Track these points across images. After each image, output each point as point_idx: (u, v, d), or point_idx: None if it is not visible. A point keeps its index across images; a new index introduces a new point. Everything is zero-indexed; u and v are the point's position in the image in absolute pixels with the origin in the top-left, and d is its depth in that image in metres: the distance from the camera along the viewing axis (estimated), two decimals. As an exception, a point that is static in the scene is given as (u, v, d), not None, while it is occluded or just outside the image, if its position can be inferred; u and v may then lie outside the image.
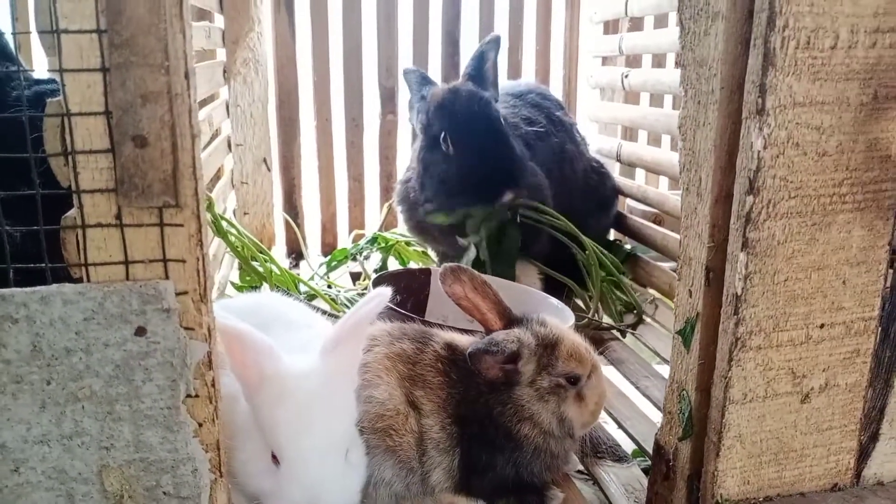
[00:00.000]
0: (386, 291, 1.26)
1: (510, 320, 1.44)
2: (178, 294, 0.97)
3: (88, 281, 0.95)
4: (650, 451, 1.59)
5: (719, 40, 1.05)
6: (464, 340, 1.45)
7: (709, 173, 1.09)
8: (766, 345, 1.09)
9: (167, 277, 0.96)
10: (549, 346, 1.37)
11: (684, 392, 1.19)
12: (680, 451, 1.22)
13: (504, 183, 2.16)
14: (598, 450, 1.63)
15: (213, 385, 1.02)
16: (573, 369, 1.37)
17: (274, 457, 1.13)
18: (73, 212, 0.94)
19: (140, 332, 0.97)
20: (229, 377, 1.20)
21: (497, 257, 2.20)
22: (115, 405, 0.99)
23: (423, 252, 2.67)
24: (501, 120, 2.24)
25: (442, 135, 2.18)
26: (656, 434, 1.30)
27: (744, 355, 1.09)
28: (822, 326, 1.12)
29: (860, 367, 1.16)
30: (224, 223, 2.05)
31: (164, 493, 1.03)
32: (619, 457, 1.61)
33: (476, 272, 1.46)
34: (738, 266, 1.05)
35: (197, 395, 1.01)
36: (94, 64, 0.90)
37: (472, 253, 2.21)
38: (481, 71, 2.29)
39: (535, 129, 2.38)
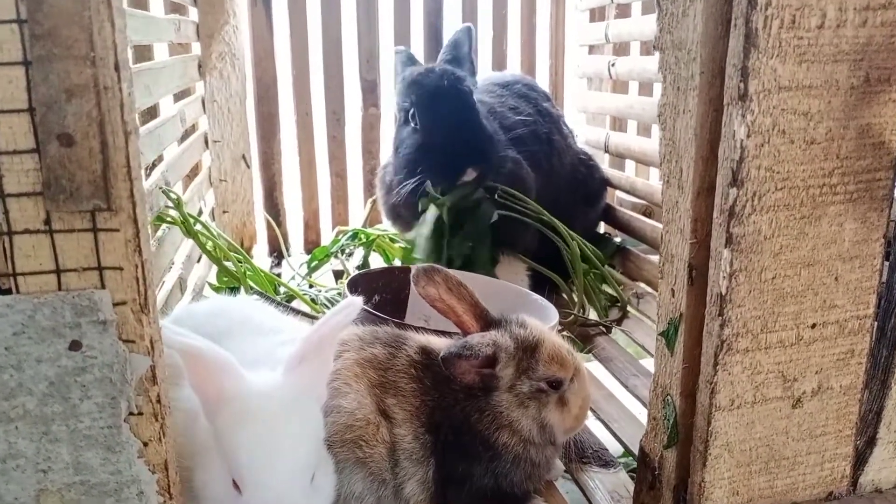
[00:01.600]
0: (356, 301, 1.18)
1: (488, 322, 1.37)
2: (115, 304, 0.89)
3: (17, 292, 0.88)
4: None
5: (698, 21, 0.97)
6: (440, 344, 1.37)
7: (690, 164, 1.01)
8: (753, 347, 1.02)
9: (103, 287, 0.89)
10: (528, 349, 1.30)
11: (668, 397, 1.12)
12: (665, 460, 1.15)
13: (467, 159, 2.09)
14: (584, 454, 1.56)
15: (158, 401, 0.95)
16: (555, 373, 1.30)
17: (235, 483, 1.05)
18: (-2, 217, 0.87)
19: (75, 346, 0.90)
20: (189, 390, 1.12)
21: (465, 234, 2.13)
22: (51, 425, 0.92)
23: (407, 248, 2.60)
24: (472, 97, 2.17)
25: (411, 112, 2.13)
26: (641, 441, 1.23)
27: (730, 359, 1.02)
28: (813, 326, 1.05)
29: (855, 368, 1.09)
30: (198, 224, 1.97)
31: (108, 518, 0.96)
32: (605, 461, 1.54)
33: (450, 272, 1.39)
34: (722, 264, 0.98)
35: (140, 413, 0.94)
36: (16, 57, 0.82)
37: (425, 229, 2.14)
38: (458, 56, 2.22)
39: (521, 117, 2.31)
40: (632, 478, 1.49)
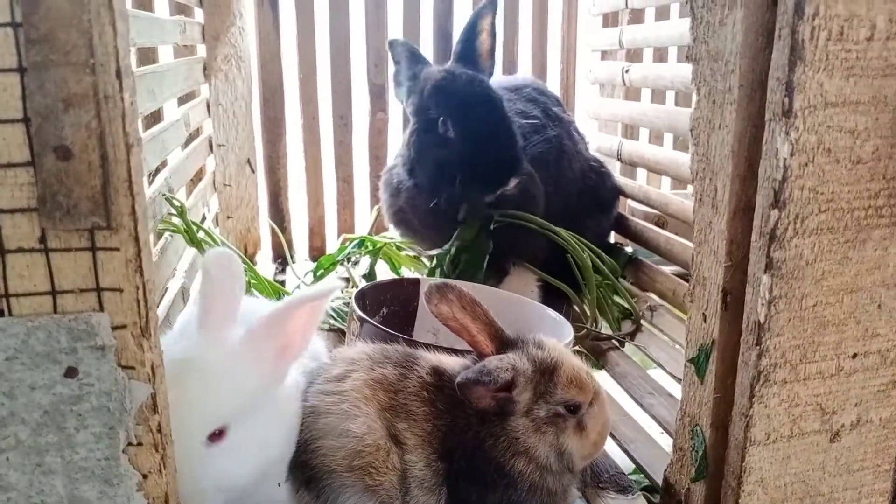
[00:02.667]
0: (333, 285, 1.16)
1: (503, 342, 1.31)
2: (114, 328, 0.84)
3: (10, 314, 0.82)
4: (657, 480, 1.46)
5: (737, 31, 0.91)
6: (452, 364, 1.31)
7: (725, 183, 0.96)
8: (791, 378, 0.96)
9: (101, 309, 0.83)
10: (546, 372, 1.24)
11: (697, 428, 1.06)
12: (693, 493, 1.09)
13: (510, 171, 2.04)
14: (600, 479, 1.50)
15: (159, 431, 0.89)
16: (573, 397, 1.24)
17: None
18: (-11, 235, 0.81)
19: (71, 373, 0.84)
20: None
21: (466, 264, 2.11)
22: (44, 456, 0.86)
23: (414, 257, 2.54)
24: (503, 102, 2.11)
25: (440, 118, 2.05)
26: (666, 470, 1.17)
27: (767, 391, 0.96)
28: (854, 356, 0.99)
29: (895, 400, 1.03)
30: (201, 232, 1.91)
31: (105, 554, 0.90)
32: (622, 486, 1.48)
33: (465, 290, 1.33)
34: (760, 290, 0.92)
35: (140, 443, 0.88)
36: (10, 63, 0.77)
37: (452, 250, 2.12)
38: (472, 46, 2.15)
39: (530, 122, 2.25)
40: (649, 501, 1.44)
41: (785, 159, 0.88)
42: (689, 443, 1.08)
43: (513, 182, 2.03)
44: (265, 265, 2.84)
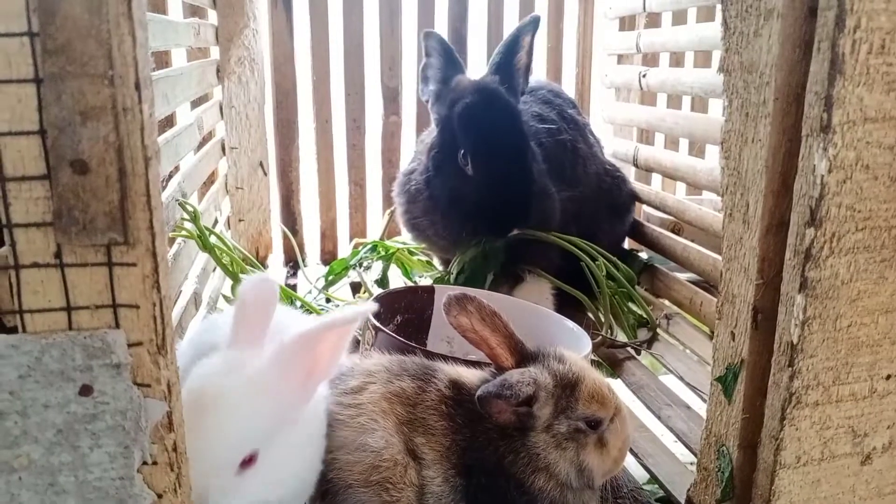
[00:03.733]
0: (366, 309, 1.15)
1: (523, 356, 1.28)
2: (130, 345, 0.82)
3: (24, 331, 0.80)
4: (676, 495, 1.43)
5: (773, 42, 0.88)
6: (471, 377, 1.29)
7: (758, 198, 0.93)
8: (824, 400, 0.93)
9: (117, 326, 0.81)
10: (568, 387, 1.22)
11: (724, 448, 1.03)
12: (718, 516, 1.06)
13: (517, 221, 2.03)
14: (619, 493, 1.48)
15: (174, 449, 0.87)
16: (595, 412, 1.21)
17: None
18: (4, 249, 0.79)
19: (85, 391, 0.82)
20: None
21: (473, 275, 2.10)
22: (57, 476, 0.84)
23: (426, 262, 2.52)
24: (528, 136, 2.07)
25: (462, 152, 2.02)
26: (689, 490, 1.14)
27: (798, 413, 0.93)
28: (888, 378, 0.96)
29: (929, 422, 1.00)
30: (213, 237, 1.90)
31: (118, 576, 0.88)
32: (641, 502, 1.45)
33: (484, 302, 1.30)
34: (794, 310, 0.89)
35: (155, 462, 0.86)
36: (26, 74, 0.75)
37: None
38: (511, 60, 2.11)
39: (545, 126, 2.22)
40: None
41: (822, 176, 0.85)
42: (714, 463, 1.05)
43: (515, 231, 2.05)
44: (277, 269, 2.82)
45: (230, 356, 1.11)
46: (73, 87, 0.74)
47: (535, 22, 2.17)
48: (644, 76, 2.54)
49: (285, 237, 2.87)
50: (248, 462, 1.04)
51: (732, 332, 1.00)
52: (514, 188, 2.00)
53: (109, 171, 0.76)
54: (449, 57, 2.17)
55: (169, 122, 2.08)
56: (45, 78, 0.74)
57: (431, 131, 2.28)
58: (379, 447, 1.17)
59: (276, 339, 1.22)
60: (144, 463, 0.85)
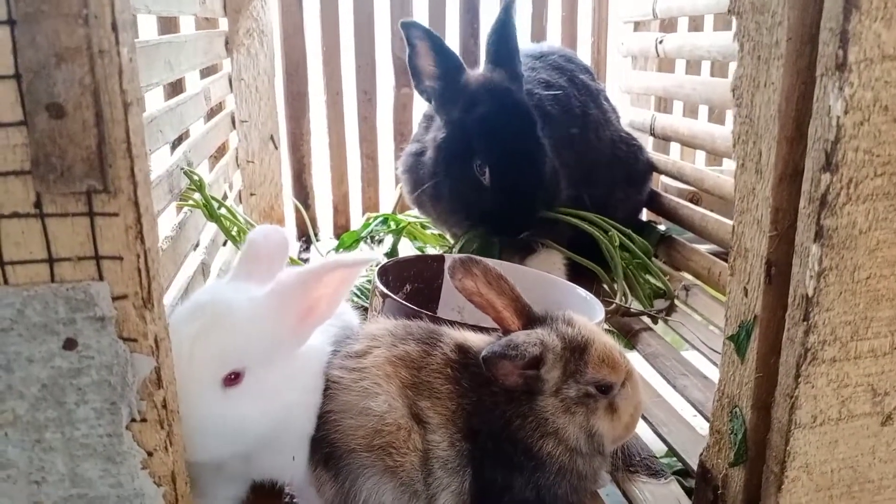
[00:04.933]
0: (371, 256, 1.22)
1: (531, 319, 1.24)
2: (114, 298, 0.79)
3: (5, 284, 0.78)
4: (691, 464, 1.40)
5: (786, -22, 0.83)
6: (478, 341, 1.26)
7: (771, 145, 0.88)
8: (841, 357, 0.89)
9: (101, 278, 0.79)
10: (577, 350, 1.18)
11: (737, 409, 0.99)
12: (731, 479, 1.02)
13: (527, 225, 2.03)
14: (631, 462, 1.44)
15: (164, 406, 0.85)
16: (605, 376, 1.18)
17: None
18: (-17, 199, 0.76)
19: (69, 344, 0.80)
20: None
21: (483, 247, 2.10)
22: (44, 432, 0.82)
23: (438, 235, 2.48)
24: (541, 139, 2.02)
25: (479, 162, 1.99)
26: (701, 455, 1.11)
27: (814, 370, 0.88)
28: (910, 333, 0.91)
29: (954, 380, 0.95)
30: (217, 206, 1.87)
31: (109, 536, 0.86)
32: (654, 471, 1.42)
33: (490, 264, 1.27)
34: (809, 261, 0.84)
35: (144, 420, 0.84)
36: (0, 16, 0.72)
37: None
38: (508, 46, 2.05)
39: (551, 93, 2.16)
40: (684, 489, 1.37)
41: (838, 118, 0.80)
42: (727, 425, 1.01)
43: (524, 234, 2.06)
44: (290, 243, 2.80)
45: (232, 283, 1.14)
46: (48, 27, 0.71)
47: (508, 9, 2.09)
48: (661, 42, 2.47)
49: (297, 211, 2.85)
50: (233, 379, 1.04)
51: (745, 287, 0.95)
52: (527, 196, 2.00)
53: (86, 115, 0.73)
54: (440, 49, 2.07)
55: (177, 91, 2.05)
56: (19, 19, 0.72)
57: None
58: (381, 411, 1.14)
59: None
60: (133, 420, 0.83)
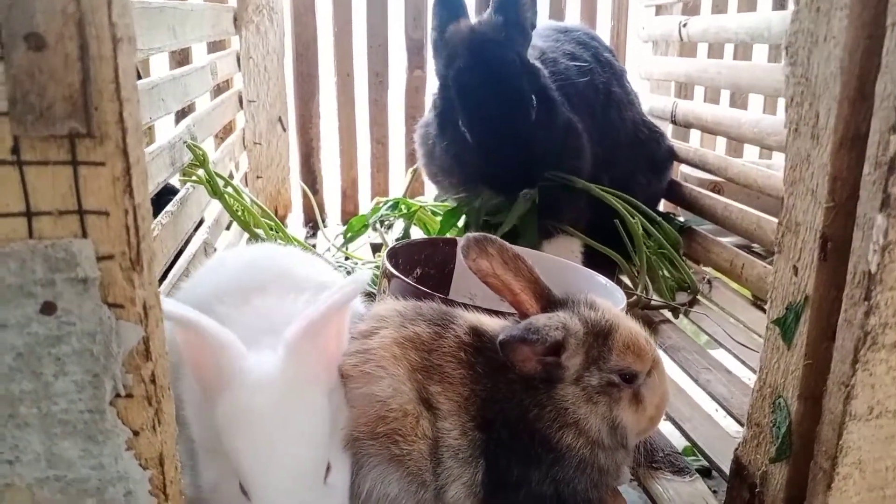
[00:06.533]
0: (363, 277, 1.03)
1: (550, 302, 1.16)
2: (99, 259, 0.71)
3: (-23, 239, 0.70)
4: (717, 462, 1.31)
5: (854, -83, 0.75)
6: (493, 325, 1.17)
7: (831, 106, 0.79)
8: (904, 342, 0.80)
9: (84, 235, 0.70)
10: (600, 336, 1.10)
11: (781, 400, 0.90)
12: (771, 476, 0.93)
13: (522, 184, 1.92)
14: (654, 458, 1.36)
15: (152, 381, 0.76)
16: (630, 364, 1.09)
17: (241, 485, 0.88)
18: (-47, 143, 0.68)
19: (48, 308, 0.71)
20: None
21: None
22: (18, 406, 0.74)
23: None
24: (528, 99, 1.89)
25: (460, 119, 1.90)
26: (736, 450, 1.02)
27: (874, 356, 0.80)
28: (980, 318, 0.82)
29: None
30: (223, 184, 1.79)
31: (89, 522, 0.78)
32: (679, 468, 1.33)
33: (506, 243, 1.19)
34: (873, 233, 0.76)
35: (130, 395, 0.75)
36: (-27, -66, 0.64)
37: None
38: (516, 4, 1.95)
39: (576, 63, 2.07)
40: (707, 486, 1.29)
41: (912, 71, 0.72)
42: (768, 417, 0.93)
43: (526, 193, 1.94)
44: (296, 229, 2.72)
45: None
46: (27, -53, 0.63)
47: None
48: (685, 26, 2.38)
49: (305, 196, 2.77)
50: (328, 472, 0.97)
51: (795, 266, 0.87)
52: (514, 153, 1.88)
53: (69, 47, 0.65)
54: (446, 5, 1.98)
55: (182, 64, 1.97)
56: (-4, -63, 0.63)
57: None
58: (385, 396, 1.06)
59: (284, 290, 1.12)
60: (118, 395, 0.75)
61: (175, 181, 1.81)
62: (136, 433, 0.76)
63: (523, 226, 1.98)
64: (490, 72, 1.88)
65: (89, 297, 0.71)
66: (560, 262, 1.74)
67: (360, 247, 2.38)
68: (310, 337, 0.94)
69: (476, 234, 1.21)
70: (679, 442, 1.46)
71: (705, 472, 1.41)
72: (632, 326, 1.14)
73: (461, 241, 1.20)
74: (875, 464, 0.85)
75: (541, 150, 1.92)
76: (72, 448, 0.75)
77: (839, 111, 0.79)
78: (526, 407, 1.09)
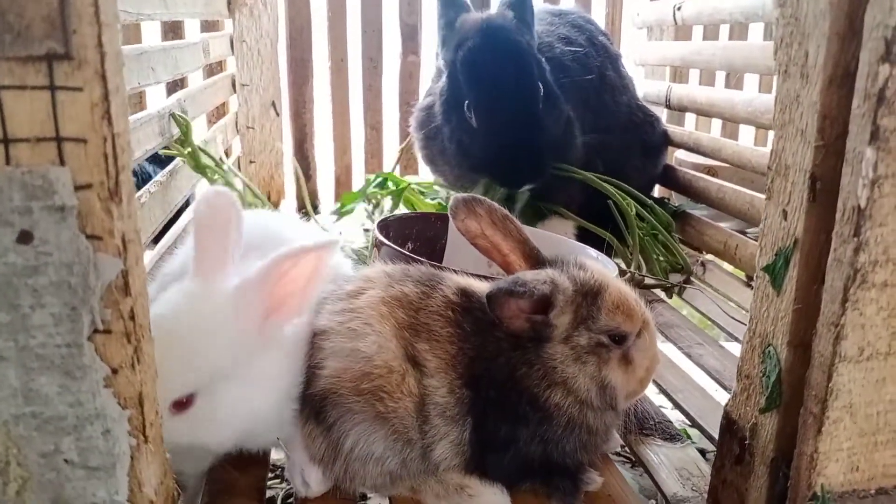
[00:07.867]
0: (334, 240, 1.03)
1: (539, 262, 1.15)
2: (77, 188, 0.70)
3: (-48, 166, 0.69)
4: (710, 431, 1.30)
5: None
6: (481, 286, 1.16)
7: (820, 44, 0.78)
8: (894, 281, 0.79)
9: (62, 163, 0.69)
10: (589, 295, 1.08)
11: (770, 349, 0.89)
12: (761, 427, 0.92)
13: (527, 178, 1.89)
14: (645, 425, 1.35)
15: (131, 317, 0.75)
16: (619, 325, 1.08)
17: None
18: (-71, 67, 0.67)
19: (24, 237, 0.70)
20: None
21: None
22: (-6, 340, 0.73)
23: (440, 204, 2.38)
24: (537, 80, 1.89)
25: (466, 102, 1.87)
26: (726, 406, 1.01)
27: (864, 294, 0.79)
28: (972, 259, 0.81)
29: None
30: (206, 160, 1.78)
31: (66, 460, 0.77)
32: (670, 434, 1.32)
33: (496, 204, 1.18)
34: (863, 167, 0.75)
35: (109, 331, 0.74)
36: None
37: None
38: (523, 5, 1.93)
39: (571, 48, 2.06)
40: (702, 455, 1.28)
41: (901, 0, 0.71)
42: (758, 367, 0.92)
43: (526, 187, 1.92)
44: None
45: (185, 290, 1.00)
46: None
47: None
48: (679, 9, 2.38)
49: (298, 181, 2.76)
50: (183, 404, 0.96)
51: (784, 210, 0.86)
52: (521, 142, 1.85)
53: (47, -35, 0.64)
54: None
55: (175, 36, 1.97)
56: None
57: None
58: (370, 352, 1.05)
59: (266, 252, 1.11)
60: (96, 330, 0.74)
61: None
62: (114, 371, 0.75)
63: (521, 211, 1.98)
64: (501, 52, 1.88)
65: (67, 226, 0.70)
66: (552, 236, 1.73)
67: (353, 229, 2.37)
68: (260, 281, 0.97)
69: (465, 195, 1.20)
70: (673, 415, 1.46)
71: (701, 453, 1.39)
72: (621, 287, 1.13)
73: (451, 202, 1.19)
74: (866, 408, 0.84)
75: (545, 139, 1.90)
76: (49, 384, 0.74)
77: (828, 48, 0.78)
78: (514, 365, 1.08)
